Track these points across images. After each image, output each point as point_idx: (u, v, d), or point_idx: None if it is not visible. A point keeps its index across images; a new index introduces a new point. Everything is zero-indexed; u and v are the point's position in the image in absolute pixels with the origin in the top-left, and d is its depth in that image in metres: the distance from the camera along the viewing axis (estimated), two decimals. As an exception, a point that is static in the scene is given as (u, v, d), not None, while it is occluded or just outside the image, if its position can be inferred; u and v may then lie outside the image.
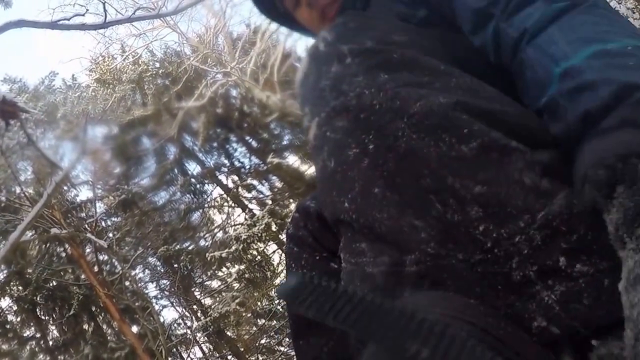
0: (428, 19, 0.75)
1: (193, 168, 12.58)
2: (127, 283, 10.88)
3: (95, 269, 10.47)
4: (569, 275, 0.46)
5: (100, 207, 11.83)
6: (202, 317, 11.14)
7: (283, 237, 9.07)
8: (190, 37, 13.19)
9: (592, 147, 0.46)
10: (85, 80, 13.72)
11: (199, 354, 11.64)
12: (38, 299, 10.67)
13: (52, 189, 5.99)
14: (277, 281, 10.58)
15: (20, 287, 10.73)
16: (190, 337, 10.92)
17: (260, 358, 11.03)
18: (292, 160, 11.87)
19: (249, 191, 12.25)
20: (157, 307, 11.46)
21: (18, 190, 9.77)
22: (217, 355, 11.14)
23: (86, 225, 10.62)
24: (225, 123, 12.37)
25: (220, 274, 11.70)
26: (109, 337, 11.04)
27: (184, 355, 11.43)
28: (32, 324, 11.06)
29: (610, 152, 0.44)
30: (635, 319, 0.39)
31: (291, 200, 10.98)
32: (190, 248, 11.63)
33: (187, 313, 11.91)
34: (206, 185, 12.45)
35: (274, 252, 10.94)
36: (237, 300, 10.40)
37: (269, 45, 11.78)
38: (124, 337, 10.22)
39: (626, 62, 0.49)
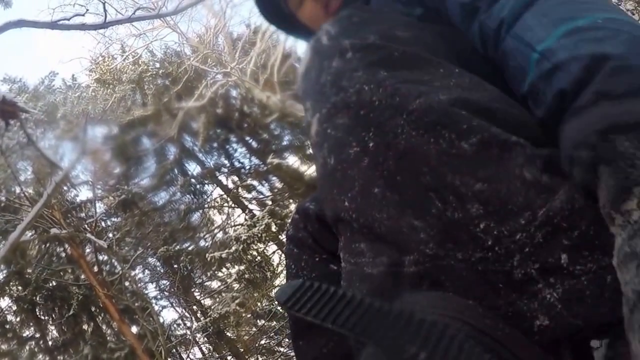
0: (424, 17, 0.75)
1: (193, 168, 12.60)
2: (126, 283, 10.88)
3: (95, 269, 10.47)
4: (570, 273, 0.45)
5: (100, 207, 11.85)
6: (201, 318, 11.14)
7: (283, 237, 9.07)
8: (190, 37, 13.21)
9: (572, 127, 0.47)
10: (85, 80, 13.75)
11: (199, 355, 11.65)
12: (37, 299, 10.66)
13: (52, 189, 5.98)
14: (277, 282, 10.58)
15: (19, 287, 10.73)
16: (190, 337, 10.92)
17: (260, 359, 11.03)
18: (292, 160, 11.89)
19: (249, 192, 12.26)
20: (156, 308, 11.47)
21: (18, 190, 9.77)
22: (217, 356, 11.13)
23: (86, 226, 10.62)
24: (226, 123, 12.38)
25: (220, 274, 11.70)
26: (108, 338, 11.04)
27: (184, 356, 11.43)
28: (31, 324, 11.06)
29: (589, 131, 0.44)
30: (629, 296, 0.39)
31: (291, 201, 10.99)
32: (190, 248, 11.63)
33: (186, 313, 11.92)
34: (206, 185, 12.46)
35: (273, 252, 10.95)
36: (237, 301, 10.40)
37: (269, 45, 11.78)
38: (123, 338, 10.22)
39: (596, 35, 0.49)
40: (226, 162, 12.64)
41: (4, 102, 4.06)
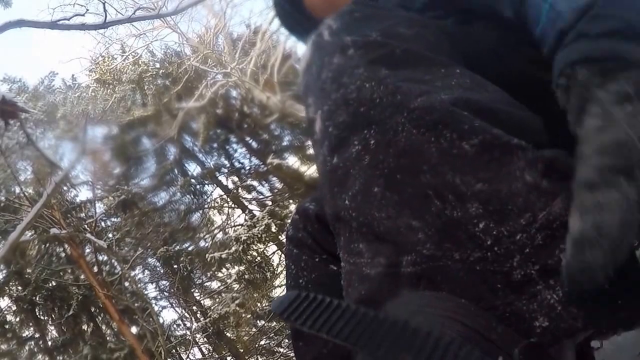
0: (429, 4, 0.76)
1: (193, 169, 12.60)
2: (126, 284, 10.89)
3: (95, 269, 10.47)
4: None
5: (100, 207, 11.85)
6: (201, 318, 11.14)
7: (283, 238, 9.07)
8: (190, 38, 13.22)
9: (557, 60, 0.57)
10: (85, 81, 13.75)
11: (199, 355, 11.65)
12: (37, 299, 10.66)
13: (51, 189, 5.99)
14: (277, 282, 10.59)
15: (19, 287, 10.73)
16: (190, 338, 10.91)
17: (260, 359, 11.03)
18: (292, 161, 11.90)
19: (249, 192, 12.27)
20: (156, 308, 11.46)
21: (17, 190, 9.77)
22: (217, 356, 11.13)
23: (86, 226, 10.62)
24: (226, 124, 12.38)
25: (220, 275, 11.71)
26: (108, 338, 11.04)
27: (183, 357, 11.42)
28: (31, 324, 11.05)
29: (566, 62, 0.55)
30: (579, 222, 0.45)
31: (291, 201, 10.99)
32: (190, 249, 11.63)
33: (186, 314, 11.91)
34: (206, 186, 12.46)
35: (273, 253, 10.95)
36: (236, 302, 10.41)
37: (269, 46, 11.79)
38: (123, 338, 10.22)
39: None
40: (226, 162, 12.65)
41: (3, 101, 4.06)
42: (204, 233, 12.10)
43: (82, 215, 11.57)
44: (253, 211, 11.58)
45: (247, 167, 12.42)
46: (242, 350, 11.00)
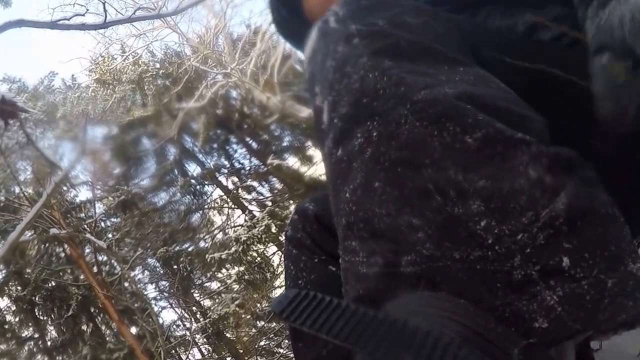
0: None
1: (193, 169, 12.60)
2: (126, 284, 10.89)
3: (95, 269, 10.47)
4: (571, 277, 0.45)
5: (99, 207, 11.86)
6: (201, 319, 11.14)
7: (283, 238, 9.06)
8: (190, 38, 13.23)
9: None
10: (85, 81, 13.75)
11: (198, 356, 11.65)
12: (37, 299, 10.66)
13: (51, 189, 5.99)
14: (277, 283, 10.58)
15: (19, 287, 10.73)
16: (189, 338, 10.91)
17: (259, 360, 11.04)
18: (292, 161, 11.90)
19: (249, 192, 12.27)
20: (156, 309, 11.46)
21: (17, 190, 9.77)
22: (216, 357, 11.13)
23: (85, 226, 10.63)
24: (226, 124, 12.39)
25: (219, 275, 11.71)
26: (107, 338, 11.04)
27: (183, 357, 11.42)
28: (30, 324, 11.05)
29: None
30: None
31: (291, 202, 10.99)
32: (189, 249, 11.63)
33: (186, 314, 11.91)
34: (206, 186, 12.47)
35: (273, 253, 10.96)
36: (236, 302, 10.41)
37: (269, 46, 11.80)
38: (122, 338, 10.22)
39: None
40: (226, 163, 12.66)
41: (3, 101, 4.06)
42: (204, 233, 12.10)
43: (82, 215, 11.58)
44: (253, 212, 11.59)
45: (247, 168, 12.43)
46: (241, 351, 11.00)
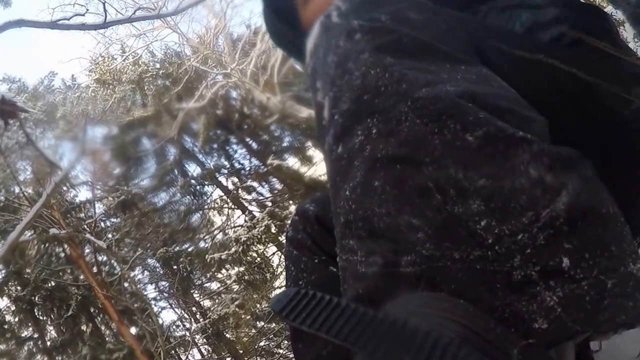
0: None
1: (193, 169, 12.60)
2: (126, 284, 10.89)
3: (94, 269, 10.47)
4: (571, 277, 0.45)
5: (99, 207, 11.86)
6: (201, 319, 11.14)
7: (283, 239, 9.07)
8: (190, 38, 13.23)
9: None
10: (85, 81, 13.75)
11: (198, 356, 11.64)
12: (36, 299, 10.66)
13: (51, 189, 5.98)
14: (277, 283, 10.58)
15: (18, 287, 10.73)
16: (189, 339, 10.91)
17: (259, 360, 11.03)
18: (292, 162, 11.90)
19: (249, 193, 12.27)
20: (155, 309, 11.46)
21: (17, 190, 9.77)
22: (216, 357, 11.12)
23: (85, 226, 10.63)
24: (226, 124, 12.39)
25: (219, 275, 11.71)
26: (107, 339, 11.03)
27: (183, 357, 11.41)
28: (30, 324, 11.05)
29: None
30: None
31: (291, 202, 10.99)
32: (189, 250, 11.64)
33: (186, 315, 11.91)
34: (206, 186, 12.47)
35: (273, 254, 10.96)
36: (236, 302, 10.41)
37: (269, 46, 11.79)
38: (122, 339, 10.21)
39: None
40: (226, 163, 12.66)
41: (3, 101, 4.06)
42: (204, 234, 12.10)
43: (82, 215, 11.58)
44: (253, 212, 11.59)
45: (247, 168, 12.43)
46: (241, 352, 11.00)
